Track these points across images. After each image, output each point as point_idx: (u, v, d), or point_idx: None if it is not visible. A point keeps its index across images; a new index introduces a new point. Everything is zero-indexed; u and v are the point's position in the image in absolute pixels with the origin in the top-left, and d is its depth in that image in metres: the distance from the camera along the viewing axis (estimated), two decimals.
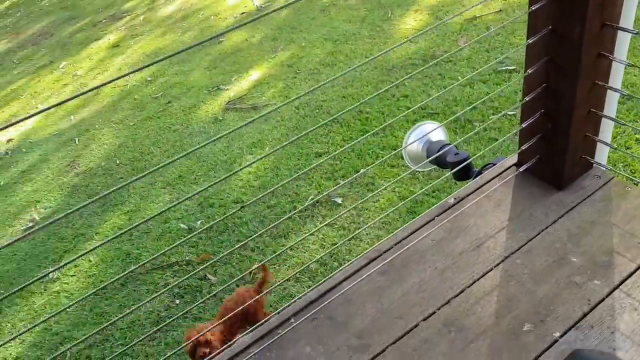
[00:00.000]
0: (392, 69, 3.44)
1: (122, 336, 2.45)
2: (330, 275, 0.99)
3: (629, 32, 0.88)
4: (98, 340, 2.46)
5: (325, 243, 2.54)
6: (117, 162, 3.58)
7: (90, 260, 2.89)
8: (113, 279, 0.92)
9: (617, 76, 0.94)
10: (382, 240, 1.01)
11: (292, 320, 0.96)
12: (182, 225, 2.90)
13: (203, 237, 2.77)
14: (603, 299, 0.88)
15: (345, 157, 2.92)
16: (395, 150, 2.83)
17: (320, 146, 3.06)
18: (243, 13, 4.97)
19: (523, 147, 1.06)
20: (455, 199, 1.08)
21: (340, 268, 0.98)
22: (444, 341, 0.87)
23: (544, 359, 0.81)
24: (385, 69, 3.47)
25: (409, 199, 2.51)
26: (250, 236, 2.67)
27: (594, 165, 1.08)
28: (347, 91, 3.42)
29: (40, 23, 6.52)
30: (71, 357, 2.43)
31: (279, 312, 0.97)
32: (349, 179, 2.76)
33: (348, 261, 2.37)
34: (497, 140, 2.62)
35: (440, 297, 0.93)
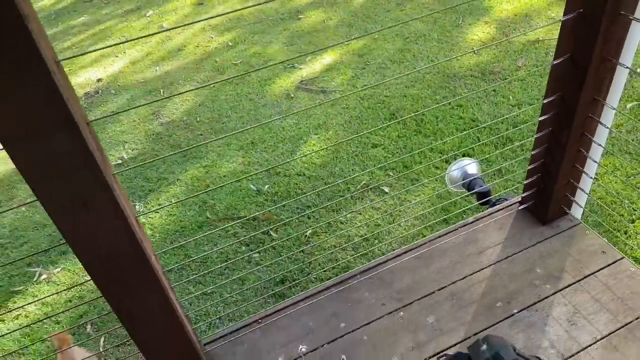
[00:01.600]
0: (452, 77, 4.02)
1: (196, 268, 3.24)
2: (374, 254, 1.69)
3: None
4: (176, 267, 3.26)
5: (369, 222, 3.24)
6: (198, 119, 4.32)
7: (171, 202, 3.68)
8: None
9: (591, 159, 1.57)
10: (420, 238, 1.69)
11: (358, 276, 1.67)
12: (251, 186, 3.64)
13: (269, 200, 3.50)
14: (548, 297, 1.55)
15: (397, 152, 3.58)
16: (441, 154, 3.46)
17: (377, 138, 3.72)
18: None
19: (524, 194, 1.72)
20: (474, 218, 1.75)
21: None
22: (448, 304, 1.57)
23: (503, 324, 1.50)
24: (447, 75, 4.06)
25: (447, 200, 3.17)
26: (309, 206, 3.39)
27: (569, 213, 1.73)
28: (408, 91, 4.03)
29: None
30: None
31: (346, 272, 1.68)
32: (399, 173, 3.42)
33: (386, 240, 3.07)
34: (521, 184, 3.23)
35: (450, 278, 1.62)
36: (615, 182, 3.14)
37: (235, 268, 3.19)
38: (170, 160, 4.01)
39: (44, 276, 3.32)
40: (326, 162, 3.67)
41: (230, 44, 5.12)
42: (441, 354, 1.37)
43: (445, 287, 1.61)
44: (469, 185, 1.88)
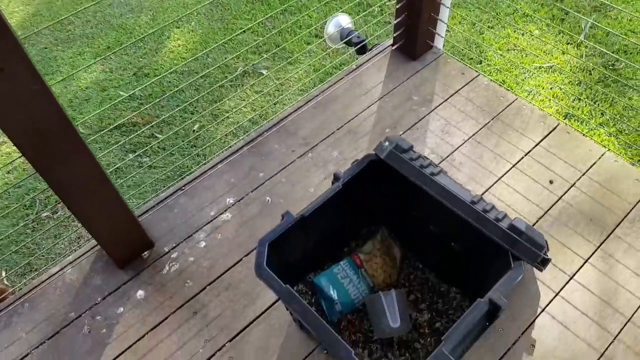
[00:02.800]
0: None
1: None
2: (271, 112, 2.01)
3: None
4: None
5: (255, 107, 3.53)
6: (36, 31, 4.14)
7: None
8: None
9: None
10: (316, 88, 2.03)
11: (265, 133, 1.98)
12: (121, 92, 3.70)
13: (144, 103, 3.61)
14: (424, 117, 2.00)
15: (266, 33, 3.82)
16: (309, 28, 3.77)
17: (244, 22, 3.91)
18: None
19: (395, 34, 2.10)
20: (356, 65, 2.12)
21: (287, 108, 1.99)
22: (347, 139, 1.96)
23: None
24: None
25: (321, 70, 3.53)
26: (188, 101, 3.57)
27: (434, 46, 2.16)
28: None
29: None
30: (41, 203, 3.29)
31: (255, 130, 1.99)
32: (272, 52, 3.69)
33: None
34: (389, 23, 3.66)
35: (345, 118, 2.01)
36: (464, 31, 3.72)
37: (126, 174, 3.33)
38: None
39: None
40: (196, 54, 3.81)
41: None
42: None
43: (343, 126, 1.99)
44: (347, 40, 2.23)
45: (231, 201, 1.85)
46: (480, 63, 3.44)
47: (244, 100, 3.55)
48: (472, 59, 3.47)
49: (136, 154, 3.44)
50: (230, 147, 2.09)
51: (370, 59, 2.16)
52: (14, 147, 3.55)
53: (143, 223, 1.83)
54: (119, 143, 3.47)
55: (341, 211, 1.44)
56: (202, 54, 3.81)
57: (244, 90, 3.61)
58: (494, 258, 1.30)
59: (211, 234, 1.77)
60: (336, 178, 1.42)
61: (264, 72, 3.68)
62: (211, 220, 1.81)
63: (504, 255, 1.25)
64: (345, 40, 2.25)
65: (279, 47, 3.74)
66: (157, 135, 3.49)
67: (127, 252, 1.75)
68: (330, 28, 2.31)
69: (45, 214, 3.15)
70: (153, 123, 3.56)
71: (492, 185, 1.80)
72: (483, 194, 1.78)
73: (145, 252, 1.77)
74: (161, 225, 1.82)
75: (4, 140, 3.56)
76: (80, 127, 3.60)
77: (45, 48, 4.05)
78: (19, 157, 1.41)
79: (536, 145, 1.89)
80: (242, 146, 1.98)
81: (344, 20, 2.30)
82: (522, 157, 1.87)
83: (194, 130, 3.47)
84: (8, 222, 3.10)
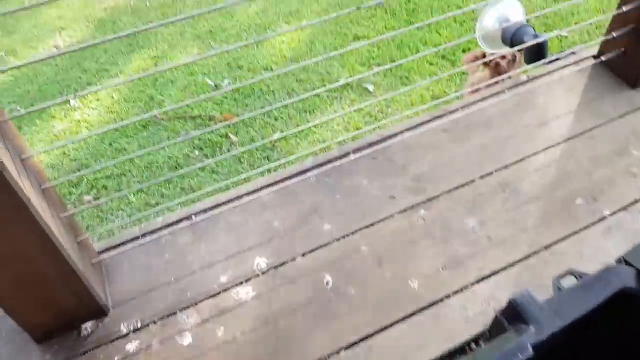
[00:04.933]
0: None
1: (139, 174, 2.53)
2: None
3: None
4: (115, 173, 2.54)
5: (349, 127, 2.57)
6: (147, 3, 3.46)
7: (112, 97, 2.90)
8: (136, 118, 0.91)
9: None
10: (445, 98, 1.02)
11: (352, 155, 1.00)
12: (208, 80, 2.88)
13: (228, 97, 2.77)
14: None
15: (384, 45, 2.85)
16: (437, 47, 2.76)
17: (360, 29, 2.97)
18: None
19: (609, 37, 1.05)
20: (527, 76, 1.08)
21: (400, 117, 1.00)
22: (497, 198, 0.92)
23: (590, 230, 0.87)
24: None
25: (442, 99, 2.50)
26: (275, 105, 2.67)
27: None
28: None
29: None
30: (87, 184, 2.52)
31: (339, 145, 1.01)
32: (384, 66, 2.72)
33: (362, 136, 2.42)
34: (596, 21, 2.57)
35: (500, 160, 0.97)
36: None
37: (185, 176, 2.49)
38: (113, 50, 3.18)
39: None
40: (298, 55, 2.92)
41: None
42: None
43: (492, 172, 0.96)
44: (514, 39, 1.21)
45: (262, 264, 0.88)
46: None
47: (338, 115, 2.61)
48: None
49: (202, 151, 2.59)
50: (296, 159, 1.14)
51: (553, 71, 1.13)
52: None
53: (107, 264, 0.91)
54: (189, 136, 2.65)
55: None
56: (303, 57, 2.91)
57: (342, 104, 2.67)
58: None
59: (208, 322, 0.82)
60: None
61: (370, 88, 2.71)
62: (217, 293, 0.86)
63: None
64: (508, 33, 1.22)
65: (394, 61, 2.76)
66: (231, 136, 2.61)
67: (52, 317, 0.83)
68: (488, 20, 1.29)
69: None
70: (231, 122, 2.72)
71: None
72: None
73: (88, 324, 0.85)
74: (133, 277, 0.90)
75: None
76: (155, 108, 2.82)
77: (150, 21, 3.35)
78: None
79: None
80: (310, 168, 1.02)
81: (511, 9, 1.28)
82: None
83: (272, 142, 2.57)
84: None
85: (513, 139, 1.00)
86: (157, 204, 2.42)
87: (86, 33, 3.35)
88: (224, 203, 0.95)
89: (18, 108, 2.87)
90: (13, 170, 0.51)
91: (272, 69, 2.88)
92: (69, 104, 2.86)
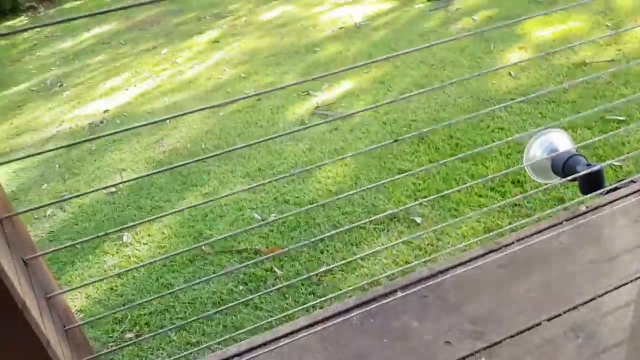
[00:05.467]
0: (489, 101, 3.38)
1: (182, 310, 2.49)
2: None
3: None
4: (159, 309, 2.51)
5: (398, 260, 2.49)
6: (203, 146, 3.71)
7: (163, 233, 2.99)
8: (183, 250, 0.90)
9: None
10: (499, 230, 0.97)
11: (399, 292, 0.93)
12: (255, 215, 2.94)
13: (274, 231, 2.79)
14: None
15: (429, 179, 2.87)
16: (484, 178, 2.75)
17: (404, 164, 3.03)
18: (341, 28, 5.09)
19: None
20: (587, 207, 1.02)
21: (452, 250, 0.95)
22: (570, 345, 0.81)
23: None
24: (482, 99, 3.42)
25: (495, 232, 2.42)
26: (322, 238, 2.66)
27: None
28: (438, 115, 3.39)
29: (149, 12, 6.98)
30: (131, 320, 2.49)
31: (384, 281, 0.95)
32: (431, 197, 2.70)
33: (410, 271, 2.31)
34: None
35: (567, 301, 0.88)
36: None
37: (228, 313, 2.42)
38: (168, 188, 3.36)
39: None
40: (343, 189, 2.97)
41: (243, 75, 4.60)
42: None
43: (560, 315, 0.86)
44: (565, 169, 1.17)
45: None
46: None
47: (386, 248, 2.55)
48: None
49: (247, 286, 2.54)
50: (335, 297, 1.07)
51: (613, 201, 1.06)
52: None
53: None
54: (233, 268, 2.64)
55: None
56: (348, 191, 2.96)
57: (389, 236, 2.62)
58: None
59: None
60: None
61: (418, 220, 2.67)
62: None
63: None
64: (559, 163, 1.19)
65: (440, 193, 2.75)
66: (276, 270, 2.58)
67: None
68: (536, 151, 1.27)
69: None
70: (276, 254, 2.70)
71: None
72: None
73: None
74: None
75: None
76: (203, 245, 2.87)
77: (204, 162, 3.56)
78: None
79: None
80: (353, 307, 0.95)
81: (558, 139, 1.26)
82: None
83: (317, 274, 2.51)
84: None
85: (579, 276, 0.91)
86: (198, 342, 2.33)
87: (144, 174, 3.58)
88: (259, 346, 0.88)
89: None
90: (35, 309, 0.49)
91: (316, 202, 2.92)
92: (122, 240, 2.96)
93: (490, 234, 2.40)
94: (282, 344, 0.87)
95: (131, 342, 2.27)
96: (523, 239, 0.99)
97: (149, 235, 2.99)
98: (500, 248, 0.98)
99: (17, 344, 0.49)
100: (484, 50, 4.03)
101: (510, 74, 3.61)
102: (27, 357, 0.51)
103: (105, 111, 4.58)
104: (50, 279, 0.59)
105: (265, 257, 2.63)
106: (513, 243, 0.98)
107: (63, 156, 3.97)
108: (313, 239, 2.65)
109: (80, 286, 0.92)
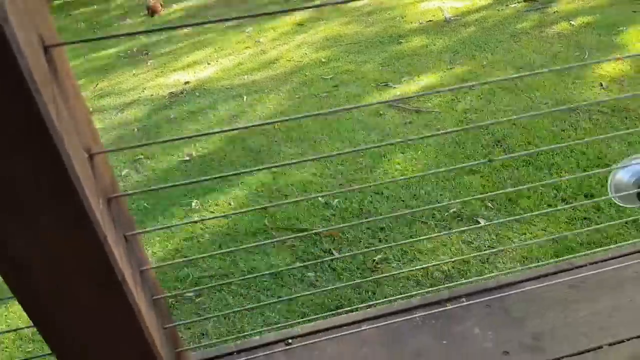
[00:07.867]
0: (574, 110, 3.22)
1: (241, 276, 2.60)
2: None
3: None
4: (219, 273, 2.64)
5: (455, 257, 2.47)
6: (276, 126, 3.80)
7: (230, 204, 3.11)
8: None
9: None
10: (572, 256, 0.94)
11: (464, 299, 0.94)
12: (319, 198, 2.99)
13: (337, 215, 2.84)
14: None
15: (499, 183, 2.80)
16: (557, 191, 2.65)
17: (475, 166, 2.97)
18: (430, 21, 5.00)
19: None
20: None
21: (522, 268, 0.94)
22: None
23: None
24: (568, 108, 3.26)
25: (562, 244, 2.34)
26: (382, 228, 2.68)
27: None
28: (519, 120, 3.27)
29: None
30: (192, 280, 2.63)
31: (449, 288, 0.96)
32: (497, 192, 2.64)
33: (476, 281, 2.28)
34: None
35: (634, 329, 0.85)
36: None
37: (284, 285, 2.51)
38: (238, 163, 3.49)
39: None
40: (410, 183, 2.96)
41: (323, 60, 4.65)
42: None
43: (624, 341, 0.84)
44: None
45: None
46: None
47: (445, 245, 2.52)
48: None
49: (304, 263, 2.62)
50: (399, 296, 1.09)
51: None
52: None
53: None
54: (293, 248, 2.71)
55: None
56: (415, 185, 2.94)
57: (450, 235, 2.59)
58: None
59: None
60: None
61: (482, 221, 2.62)
62: None
63: None
64: None
65: (509, 200, 2.68)
66: (334, 252, 2.63)
67: None
68: (624, 175, 1.22)
69: None
70: (336, 239, 2.75)
71: None
72: None
73: None
74: None
75: None
76: (267, 219, 2.96)
77: (276, 141, 3.66)
78: None
79: None
80: (417, 307, 0.97)
81: None
82: None
83: (374, 260, 2.53)
84: None
85: None
86: (252, 309, 2.44)
87: (217, 146, 3.73)
88: (321, 331, 0.92)
89: (145, 204, 3.19)
90: (131, 281, 0.56)
91: (382, 194, 2.93)
92: (190, 206, 3.11)
93: (556, 247, 2.31)
94: (343, 333, 0.91)
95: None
96: (597, 262, 0.96)
97: (216, 205, 3.12)
98: (572, 269, 0.96)
99: (114, 313, 0.56)
100: (576, 58, 3.82)
101: (601, 84, 3.42)
102: (122, 325, 0.58)
103: (186, 82, 4.79)
104: (144, 253, 0.65)
105: (324, 239, 2.69)
106: (586, 265, 0.96)
107: (143, 121, 4.20)
108: (369, 219, 2.67)
109: (162, 228, 0.99)
